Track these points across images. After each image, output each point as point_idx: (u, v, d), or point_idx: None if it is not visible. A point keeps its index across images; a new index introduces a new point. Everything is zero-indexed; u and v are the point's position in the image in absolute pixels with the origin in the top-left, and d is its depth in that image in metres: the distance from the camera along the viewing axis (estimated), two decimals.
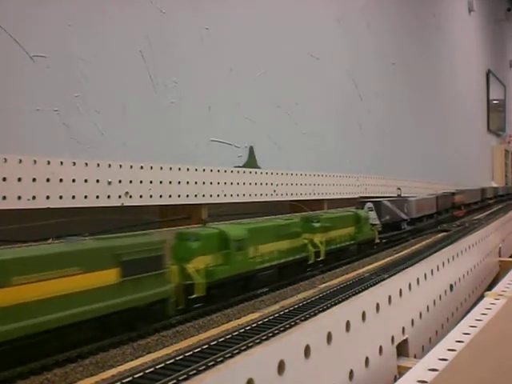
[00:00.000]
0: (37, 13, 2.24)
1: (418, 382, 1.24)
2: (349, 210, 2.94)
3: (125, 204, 2.18)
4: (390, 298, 1.82)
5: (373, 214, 3.10)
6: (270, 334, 1.33)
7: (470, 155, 9.65)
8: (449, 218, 4.66)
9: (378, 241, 2.98)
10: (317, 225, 2.36)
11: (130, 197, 2.20)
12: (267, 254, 1.96)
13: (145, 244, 1.37)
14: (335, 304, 1.63)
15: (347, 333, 1.50)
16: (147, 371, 1.10)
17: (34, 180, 1.83)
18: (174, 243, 1.66)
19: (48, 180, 1.88)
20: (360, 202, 3.29)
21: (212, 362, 1.13)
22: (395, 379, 1.74)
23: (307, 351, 1.29)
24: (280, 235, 2.04)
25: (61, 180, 1.92)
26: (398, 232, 3.36)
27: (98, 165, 2.08)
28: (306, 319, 1.47)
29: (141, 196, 2.25)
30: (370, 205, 3.17)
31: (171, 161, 2.49)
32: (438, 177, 6.94)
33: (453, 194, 5.07)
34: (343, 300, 1.67)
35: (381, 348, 1.73)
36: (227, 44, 3.36)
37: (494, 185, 10.15)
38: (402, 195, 4.45)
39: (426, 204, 3.98)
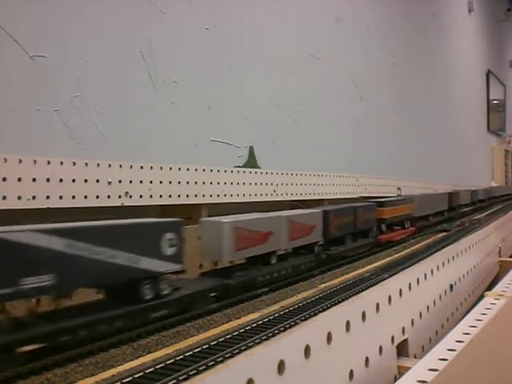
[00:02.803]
0: (37, 12, 2.24)
1: (418, 382, 1.24)
2: None
3: (125, 204, 2.18)
4: (389, 298, 1.82)
5: None
6: (270, 334, 1.33)
7: (470, 155, 9.65)
8: (356, 250, 2.60)
9: None
10: None
11: (130, 197, 2.20)
12: None
13: None
14: (335, 304, 1.63)
15: (347, 333, 1.50)
16: (147, 371, 1.10)
17: (34, 180, 1.83)
18: None
19: (48, 180, 1.88)
20: None
21: (212, 362, 1.13)
22: (395, 379, 1.74)
23: (307, 351, 1.29)
24: None
25: (61, 180, 1.92)
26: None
27: (98, 165, 2.08)
28: (305, 319, 1.46)
29: (141, 196, 2.25)
30: None
31: (171, 161, 2.49)
32: (438, 177, 6.94)
33: (380, 204, 2.95)
34: (343, 300, 1.67)
35: (381, 348, 1.74)
36: (227, 44, 3.35)
37: (494, 184, 10.14)
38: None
39: (256, 234, 1.90)
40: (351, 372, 1.52)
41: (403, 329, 1.95)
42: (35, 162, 1.84)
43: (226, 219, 1.79)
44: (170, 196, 2.39)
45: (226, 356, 1.17)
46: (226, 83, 3.33)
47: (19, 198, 1.78)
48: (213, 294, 1.66)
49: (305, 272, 2.15)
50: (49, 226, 1.25)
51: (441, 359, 1.35)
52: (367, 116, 5.37)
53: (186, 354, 1.19)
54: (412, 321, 2.05)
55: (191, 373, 1.08)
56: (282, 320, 1.46)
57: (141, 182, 2.25)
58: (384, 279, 1.98)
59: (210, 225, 1.82)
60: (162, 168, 2.36)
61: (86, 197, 2.01)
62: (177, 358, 1.17)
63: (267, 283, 1.91)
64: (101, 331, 1.28)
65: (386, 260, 2.59)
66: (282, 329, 1.38)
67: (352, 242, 2.62)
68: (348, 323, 1.51)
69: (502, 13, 12.68)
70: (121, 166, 2.17)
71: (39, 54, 2.24)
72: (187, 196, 2.49)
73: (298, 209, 2.37)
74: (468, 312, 1.89)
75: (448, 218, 4.37)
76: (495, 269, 3.97)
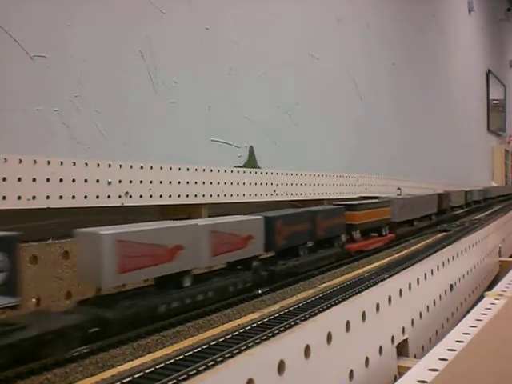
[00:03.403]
0: (37, 12, 2.24)
1: (418, 382, 1.24)
2: None
3: (125, 204, 2.18)
4: (390, 298, 1.82)
5: None
6: (270, 334, 1.33)
7: (470, 155, 9.64)
8: (316, 263, 2.20)
9: None
10: None
11: (130, 197, 2.20)
12: None
13: None
14: (335, 304, 1.63)
15: (347, 333, 1.50)
16: (147, 371, 1.10)
17: (34, 180, 1.83)
18: None
19: (48, 180, 1.88)
20: None
21: (212, 362, 1.13)
22: (395, 379, 1.74)
23: (307, 351, 1.29)
24: None
25: (61, 180, 1.92)
26: None
27: (98, 165, 2.08)
28: (305, 319, 1.46)
29: (141, 196, 2.25)
30: None
31: (171, 161, 2.49)
32: (438, 177, 6.94)
33: (350, 207, 2.50)
34: (343, 300, 1.67)
35: (381, 348, 1.73)
36: (227, 44, 3.35)
37: (494, 184, 10.13)
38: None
39: None
40: (351, 372, 1.52)
41: (403, 329, 1.95)
42: (35, 162, 1.84)
43: (105, 231, 1.30)
44: (170, 196, 2.39)
45: (226, 356, 1.17)
46: (225, 83, 3.33)
47: (19, 198, 1.79)
48: (83, 333, 1.21)
49: (238, 294, 1.73)
50: None
51: (441, 359, 1.35)
52: (367, 116, 5.37)
53: (186, 354, 1.19)
54: (412, 321, 2.05)
55: (191, 373, 1.08)
56: (282, 320, 1.46)
57: (141, 182, 2.25)
58: (384, 279, 1.98)
59: (85, 238, 1.33)
60: (162, 168, 2.36)
61: (86, 197, 2.01)
62: (177, 358, 1.17)
63: (176, 312, 1.46)
64: None
65: (386, 260, 2.59)
66: (282, 329, 1.38)
67: (310, 253, 2.18)
68: (348, 323, 1.51)
69: (502, 13, 12.69)
70: (121, 166, 2.17)
71: (39, 54, 2.24)
72: (187, 196, 2.49)
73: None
74: (468, 312, 1.89)
75: (436, 222, 3.85)
76: (495, 269, 3.97)
